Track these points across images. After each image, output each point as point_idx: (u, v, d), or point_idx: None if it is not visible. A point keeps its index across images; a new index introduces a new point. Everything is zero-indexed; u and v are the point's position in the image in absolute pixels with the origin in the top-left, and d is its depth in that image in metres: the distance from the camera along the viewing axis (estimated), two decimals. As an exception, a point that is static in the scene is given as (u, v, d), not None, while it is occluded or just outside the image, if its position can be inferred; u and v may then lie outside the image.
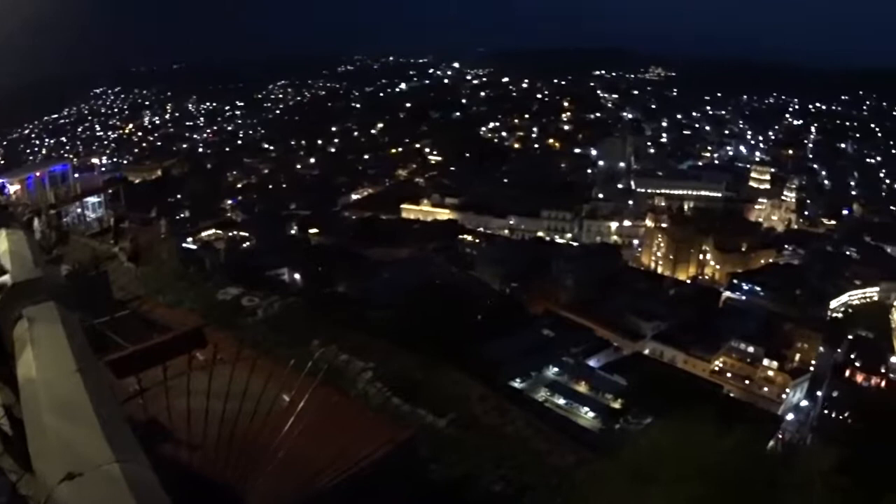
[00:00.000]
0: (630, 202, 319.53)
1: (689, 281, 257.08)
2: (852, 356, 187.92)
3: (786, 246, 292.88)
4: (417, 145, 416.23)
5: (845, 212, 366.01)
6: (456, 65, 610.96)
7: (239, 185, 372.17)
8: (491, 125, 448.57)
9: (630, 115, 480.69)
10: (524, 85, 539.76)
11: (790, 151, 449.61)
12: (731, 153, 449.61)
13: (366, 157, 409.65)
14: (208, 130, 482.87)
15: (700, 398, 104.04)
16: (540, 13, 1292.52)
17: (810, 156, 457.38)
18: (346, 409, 20.22)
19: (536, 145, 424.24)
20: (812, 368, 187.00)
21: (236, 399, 14.89)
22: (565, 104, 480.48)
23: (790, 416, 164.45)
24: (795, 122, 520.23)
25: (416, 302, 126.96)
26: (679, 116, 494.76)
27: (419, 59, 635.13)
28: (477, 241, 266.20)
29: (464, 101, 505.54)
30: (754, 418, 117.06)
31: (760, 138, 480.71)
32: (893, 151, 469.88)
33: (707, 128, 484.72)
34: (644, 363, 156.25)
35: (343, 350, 31.59)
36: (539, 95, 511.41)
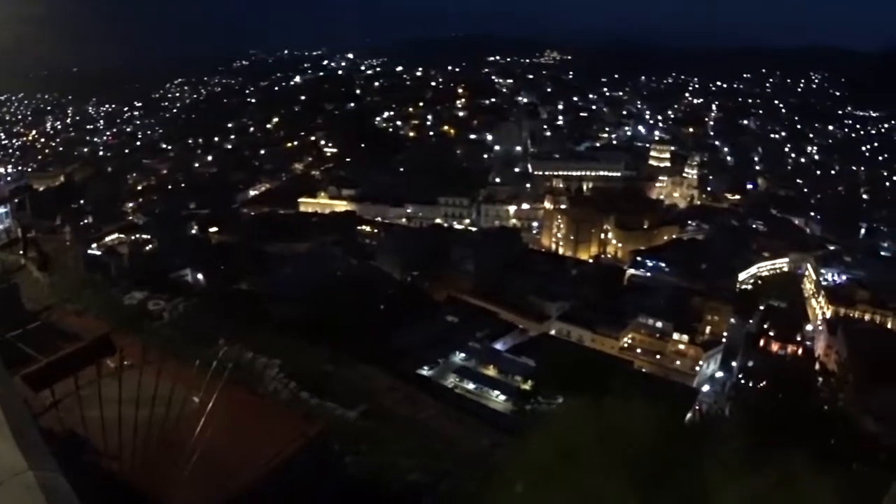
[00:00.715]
0: (528, 185, 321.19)
1: (591, 260, 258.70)
2: (765, 326, 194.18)
3: (689, 222, 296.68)
4: (312, 138, 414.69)
5: (749, 186, 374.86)
6: (350, 56, 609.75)
7: (139, 188, 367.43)
8: (385, 115, 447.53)
9: (526, 100, 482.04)
10: (418, 73, 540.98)
11: (691, 129, 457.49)
12: (629, 133, 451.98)
13: (262, 152, 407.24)
14: (108, 133, 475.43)
15: (611, 375, 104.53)
16: (433, 2, 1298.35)
17: (712, 133, 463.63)
18: (256, 407, 20.14)
19: (431, 133, 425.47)
20: (724, 340, 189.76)
21: (147, 405, 14.74)
22: (460, 91, 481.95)
23: (706, 388, 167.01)
24: (696, 101, 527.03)
25: (318, 295, 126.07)
26: (576, 99, 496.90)
27: (313, 52, 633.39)
28: (375, 231, 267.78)
29: (358, 91, 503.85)
30: (669, 392, 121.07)
31: (659, 118, 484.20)
32: (798, 127, 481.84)
33: (605, 109, 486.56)
34: (551, 344, 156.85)
35: (249, 347, 30.92)
36: (433, 83, 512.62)
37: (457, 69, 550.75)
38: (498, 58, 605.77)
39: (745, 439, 33.14)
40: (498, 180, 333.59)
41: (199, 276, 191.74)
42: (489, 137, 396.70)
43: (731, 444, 30.13)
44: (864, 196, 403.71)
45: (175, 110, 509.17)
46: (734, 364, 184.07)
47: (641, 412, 26.61)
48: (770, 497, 23.33)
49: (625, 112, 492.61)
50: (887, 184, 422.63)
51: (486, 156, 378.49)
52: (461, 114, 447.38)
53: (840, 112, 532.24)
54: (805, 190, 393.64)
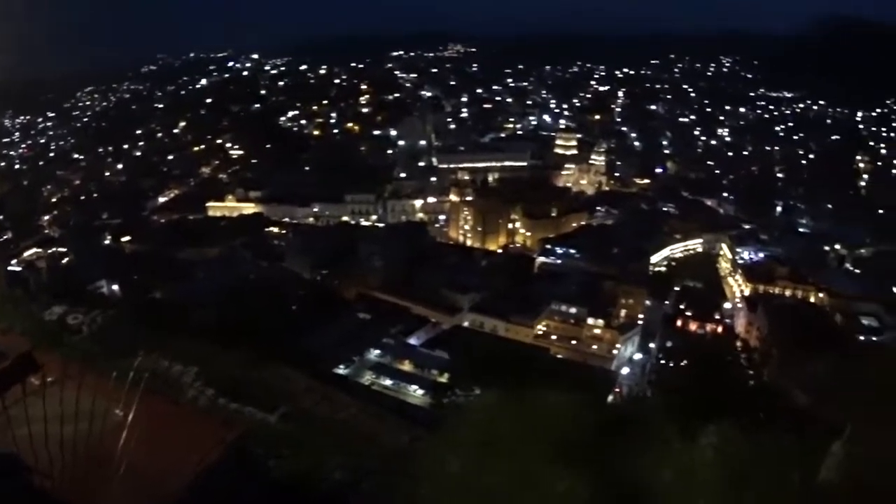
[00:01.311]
0: (433, 179, 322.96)
1: (500, 251, 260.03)
2: (682, 306, 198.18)
3: (598, 208, 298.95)
4: (219, 141, 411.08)
5: (659, 170, 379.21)
6: (255, 56, 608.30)
7: (54, 200, 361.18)
8: (290, 114, 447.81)
9: (429, 94, 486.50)
10: (322, 71, 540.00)
11: (597, 117, 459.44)
12: (534, 123, 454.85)
13: (170, 157, 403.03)
14: (23, 145, 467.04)
15: (527, 363, 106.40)
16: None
17: (619, 120, 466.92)
18: (176, 416, 19.89)
19: (336, 131, 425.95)
20: (640, 322, 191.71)
21: (71, 420, 14.81)
22: (363, 87, 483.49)
23: (625, 370, 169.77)
24: (602, 89, 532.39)
25: (230, 300, 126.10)
26: (480, 91, 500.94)
27: (219, 54, 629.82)
28: (283, 232, 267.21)
29: (263, 92, 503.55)
30: (588, 376, 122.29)
31: (565, 106, 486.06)
32: (709, 110, 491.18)
33: (509, 100, 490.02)
34: (465, 336, 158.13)
35: (167, 356, 30.96)
36: (337, 81, 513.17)
37: (360, 65, 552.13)
38: (402, 52, 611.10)
39: (668, 417, 32.16)
40: (403, 175, 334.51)
41: (115, 287, 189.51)
42: (393, 133, 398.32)
43: (653, 423, 31.24)
44: (780, 175, 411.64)
45: (86, 119, 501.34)
46: (652, 346, 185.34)
47: (558, 398, 28.13)
48: (697, 470, 24.52)
49: (530, 102, 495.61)
50: (803, 162, 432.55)
51: (390, 151, 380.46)
52: (365, 110, 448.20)
53: (752, 94, 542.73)
54: (717, 172, 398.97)
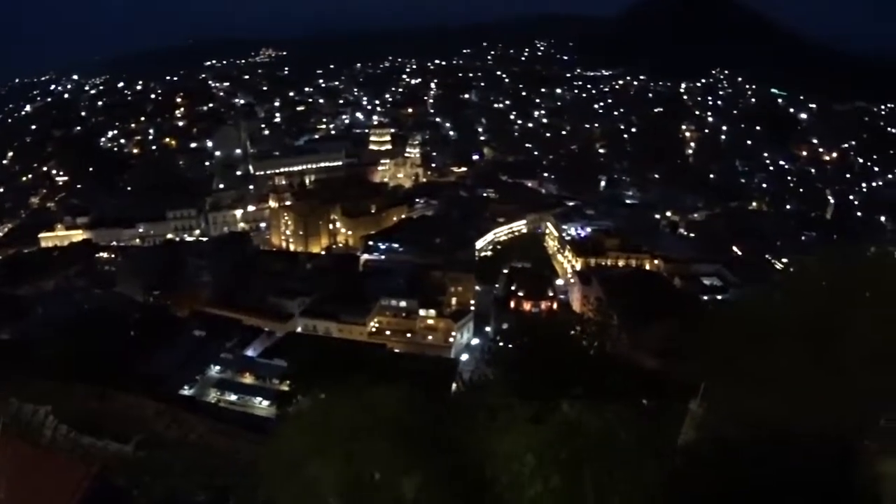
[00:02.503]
0: (251, 187, 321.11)
1: (323, 252, 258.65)
2: (513, 288, 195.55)
3: (416, 200, 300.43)
4: (45, 168, 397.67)
5: (476, 157, 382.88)
6: (75, 77, 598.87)
7: None
8: (110, 134, 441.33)
9: (242, 101, 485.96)
10: (139, 87, 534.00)
11: (410, 110, 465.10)
12: (347, 121, 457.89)
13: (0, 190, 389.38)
14: None
15: (364, 360, 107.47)
16: (140, 11, 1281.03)
17: (432, 111, 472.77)
18: (38, 459, 20.77)
19: (154, 147, 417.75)
20: (473, 308, 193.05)
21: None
22: (179, 100, 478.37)
23: (465, 357, 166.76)
24: (414, 82, 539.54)
25: (71, 333, 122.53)
26: (292, 94, 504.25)
27: (42, 77, 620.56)
28: (113, 256, 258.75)
29: (83, 113, 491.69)
30: (428, 367, 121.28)
31: (377, 102, 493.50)
32: (524, 94, 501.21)
33: (321, 101, 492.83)
34: (300, 341, 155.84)
35: (20, 398, 31.98)
36: (153, 96, 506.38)
37: (175, 78, 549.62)
38: (215, 61, 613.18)
39: (511, 398, 33.80)
40: (222, 186, 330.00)
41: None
42: (209, 144, 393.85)
43: (499, 402, 33.09)
44: (602, 151, 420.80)
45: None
46: (489, 329, 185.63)
47: (395, 392, 29.62)
48: (542, 449, 25.63)
49: (342, 101, 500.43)
50: (625, 136, 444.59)
51: (208, 163, 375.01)
52: (181, 123, 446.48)
53: (569, 75, 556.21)
54: (536, 153, 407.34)
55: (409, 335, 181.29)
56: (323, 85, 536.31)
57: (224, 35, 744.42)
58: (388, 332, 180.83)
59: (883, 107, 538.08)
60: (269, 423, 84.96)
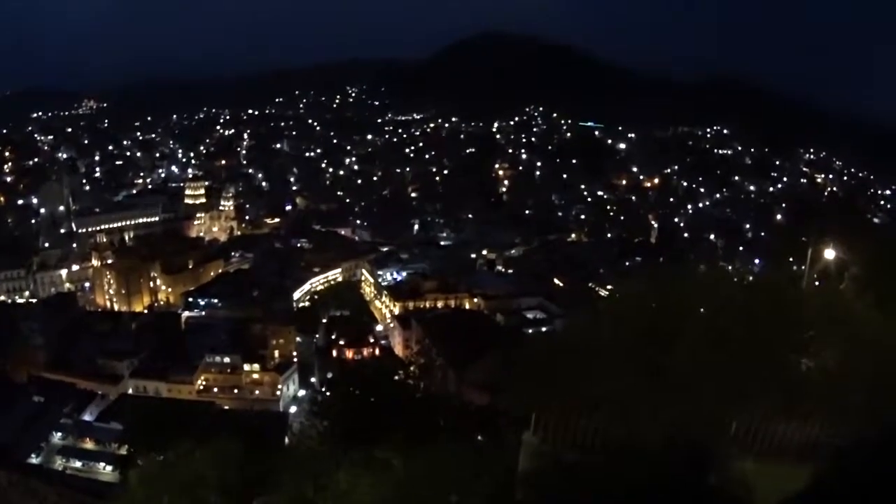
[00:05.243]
0: (74, 245, 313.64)
1: (146, 311, 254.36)
2: (333, 336, 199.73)
3: (233, 253, 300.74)
4: None
5: (288, 207, 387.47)
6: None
7: None
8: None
9: (65, 155, 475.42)
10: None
11: (223, 161, 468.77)
12: (163, 175, 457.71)
13: None
14: None
15: (194, 419, 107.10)
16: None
17: (245, 162, 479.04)
18: None
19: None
20: (296, 359, 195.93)
21: None
22: (7, 154, 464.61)
23: (293, 409, 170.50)
24: (228, 132, 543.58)
25: None
26: (111, 147, 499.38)
27: None
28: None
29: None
30: (256, 422, 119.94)
31: (192, 154, 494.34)
32: (335, 141, 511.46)
33: (139, 154, 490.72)
34: (132, 403, 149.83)
35: None
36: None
37: (4, 130, 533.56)
38: (40, 113, 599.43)
39: (337, 446, 37.39)
40: (47, 245, 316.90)
41: None
42: (34, 200, 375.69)
43: (321, 455, 37.59)
44: (413, 194, 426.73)
45: None
46: (314, 379, 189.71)
47: (225, 448, 33.52)
48: (362, 493, 28.48)
49: (158, 154, 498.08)
50: (437, 178, 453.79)
51: (34, 220, 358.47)
52: (9, 179, 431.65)
53: (380, 120, 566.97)
54: (348, 201, 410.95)
55: (236, 391, 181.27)
56: (141, 137, 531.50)
57: (44, 86, 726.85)
58: (215, 390, 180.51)
59: (708, 130, 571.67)
60: (113, 488, 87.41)
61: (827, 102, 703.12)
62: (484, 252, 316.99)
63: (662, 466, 23.66)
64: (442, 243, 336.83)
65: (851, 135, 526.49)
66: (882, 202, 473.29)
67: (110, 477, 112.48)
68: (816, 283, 45.52)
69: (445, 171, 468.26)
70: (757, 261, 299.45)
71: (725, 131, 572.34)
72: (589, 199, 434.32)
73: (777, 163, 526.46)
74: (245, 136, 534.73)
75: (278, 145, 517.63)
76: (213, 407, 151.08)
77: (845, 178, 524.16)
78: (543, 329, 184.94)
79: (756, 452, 24.36)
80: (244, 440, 45.99)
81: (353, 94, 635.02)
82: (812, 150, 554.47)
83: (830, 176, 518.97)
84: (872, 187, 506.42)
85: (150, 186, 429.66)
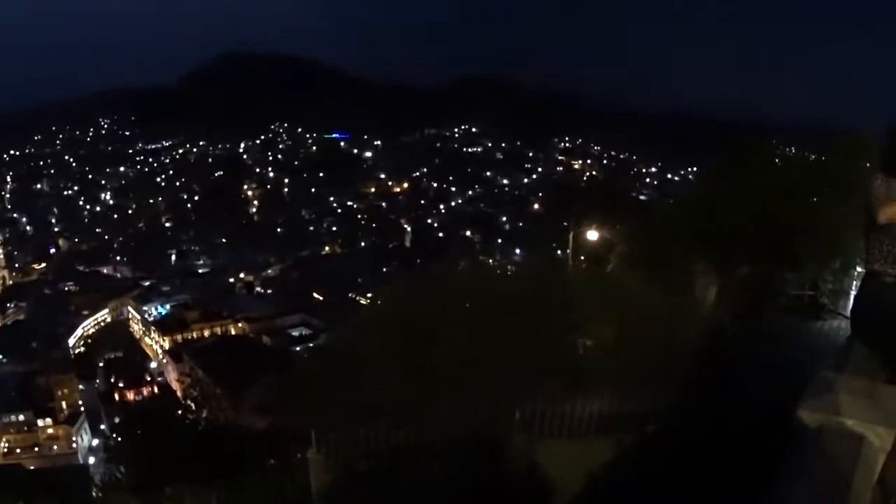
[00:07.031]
0: None
1: None
2: (112, 380, 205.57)
3: (7, 304, 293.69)
4: None
5: (52, 250, 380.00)
6: None
7: None
8: None
9: None
10: None
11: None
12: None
13: None
14: None
15: (8, 486, 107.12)
16: None
17: (10, 206, 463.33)
18: None
19: None
20: (83, 408, 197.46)
21: None
22: None
23: (92, 459, 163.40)
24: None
25: None
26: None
27: None
28: None
29: None
30: (60, 480, 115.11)
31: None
32: (90, 176, 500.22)
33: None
34: None
35: None
36: None
37: None
38: None
39: (138, 488, 38.81)
40: None
41: None
42: None
43: (121, 499, 39.25)
44: (168, 224, 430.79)
45: None
46: (103, 426, 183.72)
47: None
48: None
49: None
50: (189, 205, 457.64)
51: None
52: None
53: (131, 151, 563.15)
54: (106, 237, 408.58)
55: (36, 449, 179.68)
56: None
57: None
58: (18, 451, 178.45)
59: (455, 130, 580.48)
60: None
61: (582, 94, 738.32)
62: (241, 275, 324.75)
63: (453, 461, 24.35)
64: (200, 271, 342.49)
65: (610, 123, 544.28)
66: (647, 179, 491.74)
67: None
68: (583, 266, 47.03)
69: (196, 198, 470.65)
70: (518, 251, 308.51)
71: (474, 129, 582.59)
72: (339, 211, 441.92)
73: (531, 154, 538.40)
74: (8, 178, 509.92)
75: (39, 185, 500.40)
76: (20, 468, 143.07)
77: (605, 161, 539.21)
78: (311, 345, 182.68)
79: (550, 434, 25.46)
80: (60, 502, 53.28)
81: (106, 126, 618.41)
82: (567, 139, 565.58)
83: (588, 161, 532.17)
84: (636, 167, 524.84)
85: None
